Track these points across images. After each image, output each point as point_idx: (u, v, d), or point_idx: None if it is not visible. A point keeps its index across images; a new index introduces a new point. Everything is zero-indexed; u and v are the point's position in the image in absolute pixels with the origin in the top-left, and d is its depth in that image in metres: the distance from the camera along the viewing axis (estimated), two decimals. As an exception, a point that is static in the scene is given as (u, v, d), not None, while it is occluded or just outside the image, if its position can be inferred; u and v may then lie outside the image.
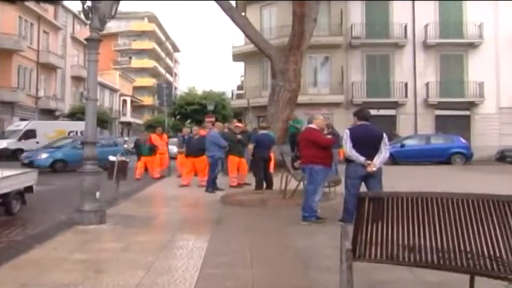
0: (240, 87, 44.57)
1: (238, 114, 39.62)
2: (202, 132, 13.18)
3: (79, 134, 27.13)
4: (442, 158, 22.71)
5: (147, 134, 16.64)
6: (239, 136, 12.51)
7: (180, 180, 13.52)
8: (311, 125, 7.63)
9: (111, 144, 20.89)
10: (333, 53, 28.81)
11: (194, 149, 12.78)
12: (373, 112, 7.74)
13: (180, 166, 14.86)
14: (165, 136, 16.87)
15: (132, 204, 9.77)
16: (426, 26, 28.53)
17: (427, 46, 28.60)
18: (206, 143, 12.00)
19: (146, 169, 15.73)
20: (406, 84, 28.41)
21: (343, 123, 25.01)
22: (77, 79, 45.51)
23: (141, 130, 38.40)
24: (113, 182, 10.08)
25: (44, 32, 39.31)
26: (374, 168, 6.78)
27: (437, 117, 28.61)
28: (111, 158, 10.44)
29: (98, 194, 7.43)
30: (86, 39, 7.61)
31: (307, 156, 7.34)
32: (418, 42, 28.70)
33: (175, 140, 20.41)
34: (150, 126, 62.26)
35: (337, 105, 28.44)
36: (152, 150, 15.26)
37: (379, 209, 3.39)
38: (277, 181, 10.97)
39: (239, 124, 13.79)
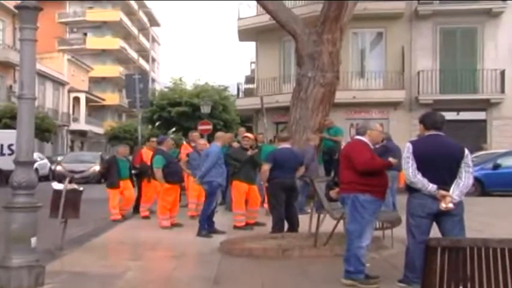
0: (249, 80, 44.79)
1: (247, 120, 39.73)
2: (185, 148, 13.38)
3: (5, 149, 27.32)
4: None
5: (125, 149, 16.41)
6: (249, 152, 12.56)
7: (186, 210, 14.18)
8: (360, 137, 7.64)
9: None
10: (390, 27, 28.99)
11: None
12: (449, 116, 7.78)
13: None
14: None
15: (85, 255, 9.79)
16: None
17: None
18: (201, 161, 12.31)
19: (138, 204, 15.57)
20: (502, 74, 28.39)
21: (403, 133, 24.99)
22: (3, 66, 45.98)
23: (110, 143, 38.40)
24: (58, 222, 10.11)
25: None
26: (450, 205, 6.72)
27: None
28: (56, 185, 10.50)
29: (33, 240, 7.29)
30: (17, 7, 7.53)
31: (349, 182, 7.38)
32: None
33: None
34: (115, 138, 63.26)
35: (394, 105, 28.49)
36: (144, 173, 15.08)
37: (458, 264, 3.37)
38: (304, 220, 10.93)
39: (248, 134, 13.90)
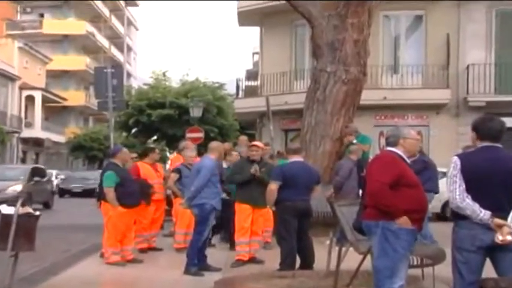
0: (251, 75, 44.72)
1: (249, 126, 39.74)
2: (176, 161, 13.27)
3: None
4: None
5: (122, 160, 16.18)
6: (255, 167, 12.47)
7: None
8: (391, 148, 7.56)
9: None
10: (432, 9, 29.11)
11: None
12: (507, 123, 7.64)
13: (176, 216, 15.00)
14: (159, 167, 16.67)
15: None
16: None
17: None
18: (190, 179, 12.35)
19: None
20: None
21: (447, 144, 25.00)
22: None
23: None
24: (7, 256, 10.12)
25: None
26: (509, 237, 6.69)
27: None
28: (4, 209, 10.51)
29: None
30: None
31: (375, 206, 7.35)
32: None
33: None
34: (79, 148, 63.12)
35: (436, 108, 28.57)
36: (144, 194, 14.96)
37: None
38: (322, 253, 10.95)
39: (258, 143, 13.78)
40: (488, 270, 6.82)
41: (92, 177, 42.97)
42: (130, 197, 12.97)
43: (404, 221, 7.06)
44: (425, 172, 13.09)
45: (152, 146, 15.67)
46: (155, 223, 15.23)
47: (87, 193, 40.35)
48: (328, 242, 10.95)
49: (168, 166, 17.32)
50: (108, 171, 13.07)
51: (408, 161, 7.56)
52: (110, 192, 12.77)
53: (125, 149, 14.20)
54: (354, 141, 16.84)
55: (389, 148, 7.64)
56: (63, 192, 45.18)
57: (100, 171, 17.09)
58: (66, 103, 69.78)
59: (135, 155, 17.08)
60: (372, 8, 17.67)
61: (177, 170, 14.83)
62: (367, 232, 7.65)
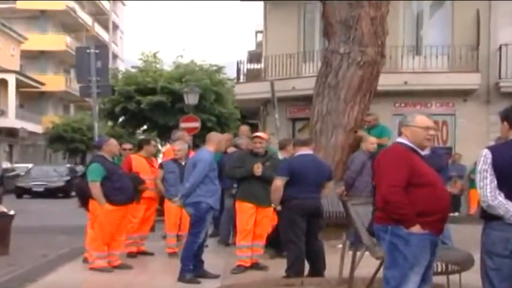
0: (254, 57, 44.66)
1: (251, 115, 39.74)
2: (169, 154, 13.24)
3: None
4: None
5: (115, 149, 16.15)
6: (258, 164, 12.40)
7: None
8: (401, 140, 7.46)
9: None
10: (458, -17, 28.94)
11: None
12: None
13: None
14: (155, 162, 16.66)
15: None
16: None
17: None
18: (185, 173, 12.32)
19: None
20: None
21: (477, 135, 25.01)
22: None
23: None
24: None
25: None
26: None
27: None
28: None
29: None
30: None
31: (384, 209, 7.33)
32: None
33: None
34: (59, 139, 62.81)
35: (464, 95, 28.57)
36: (134, 189, 14.97)
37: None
38: (333, 258, 10.98)
39: (261, 134, 13.74)
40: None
41: (55, 173, 42.61)
42: (120, 193, 12.91)
43: (416, 229, 7.00)
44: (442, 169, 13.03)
45: (146, 137, 15.49)
46: (145, 223, 15.20)
47: (50, 193, 39.98)
48: (340, 245, 10.98)
49: (160, 160, 17.19)
50: (94, 163, 13.04)
51: (422, 152, 7.42)
52: (95, 188, 12.71)
53: (112, 140, 14.04)
54: (362, 132, 16.84)
55: (398, 139, 7.54)
56: (21, 191, 41.45)
57: (81, 166, 17.07)
58: (43, 88, 69.60)
59: (130, 146, 17.01)
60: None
61: (160, 166, 14.95)
62: (377, 237, 7.66)
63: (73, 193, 39.58)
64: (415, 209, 7.03)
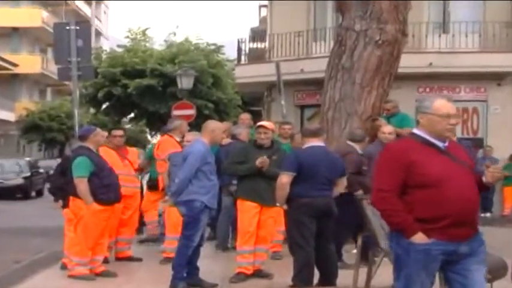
0: (257, 35, 44.73)
1: (253, 101, 39.86)
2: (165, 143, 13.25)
3: None
4: None
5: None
6: (263, 158, 12.35)
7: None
8: (415, 131, 7.27)
9: None
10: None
11: None
12: None
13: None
14: (134, 152, 16.65)
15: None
16: None
17: None
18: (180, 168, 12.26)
19: None
20: None
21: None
22: None
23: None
24: None
25: None
26: None
27: None
28: None
29: None
30: None
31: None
32: None
33: None
34: (34, 128, 62.86)
35: (498, 78, 28.70)
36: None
37: None
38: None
39: (266, 123, 13.61)
40: None
41: (12, 169, 40.59)
42: (109, 190, 12.94)
43: (419, 238, 6.80)
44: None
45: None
46: (127, 225, 15.17)
47: (5, 192, 37.41)
48: (355, 250, 10.95)
49: (152, 151, 17.02)
50: (80, 157, 12.89)
51: (441, 144, 7.05)
52: (82, 184, 12.65)
53: (99, 130, 14.03)
54: (382, 120, 16.69)
55: (413, 130, 7.34)
56: None
57: (57, 160, 16.96)
58: (16, 70, 69.64)
59: (121, 132, 16.58)
60: None
61: (168, 159, 14.86)
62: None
63: (34, 193, 39.58)
64: (416, 214, 6.84)
